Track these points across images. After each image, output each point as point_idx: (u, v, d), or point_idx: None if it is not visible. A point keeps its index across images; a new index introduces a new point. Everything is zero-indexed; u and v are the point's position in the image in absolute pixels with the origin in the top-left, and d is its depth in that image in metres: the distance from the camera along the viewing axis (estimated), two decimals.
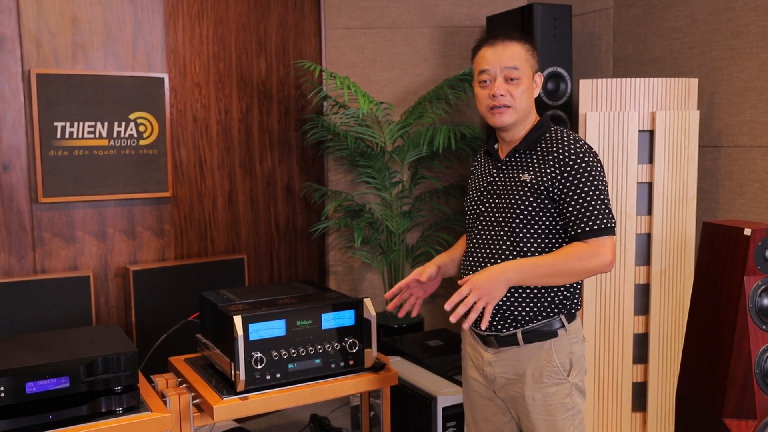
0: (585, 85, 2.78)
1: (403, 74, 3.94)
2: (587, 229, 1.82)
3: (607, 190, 1.87)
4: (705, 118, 2.99)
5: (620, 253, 2.78)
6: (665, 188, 2.79)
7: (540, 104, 3.20)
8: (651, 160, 2.78)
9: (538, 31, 3.21)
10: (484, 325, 1.75)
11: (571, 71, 3.29)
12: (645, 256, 2.82)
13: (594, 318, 2.81)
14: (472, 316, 1.73)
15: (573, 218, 1.84)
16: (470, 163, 3.97)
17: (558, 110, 3.29)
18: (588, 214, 1.82)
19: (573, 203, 1.84)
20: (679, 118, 2.78)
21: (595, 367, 2.83)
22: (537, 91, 1.97)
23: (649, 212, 2.80)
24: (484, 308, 1.76)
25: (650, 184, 2.79)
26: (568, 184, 1.84)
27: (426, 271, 2.05)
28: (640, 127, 2.77)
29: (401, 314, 2.08)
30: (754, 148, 2.81)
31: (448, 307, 1.75)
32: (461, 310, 1.73)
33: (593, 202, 1.83)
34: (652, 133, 2.77)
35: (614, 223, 1.85)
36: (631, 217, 2.77)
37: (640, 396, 2.88)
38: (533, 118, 1.98)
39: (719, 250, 2.17)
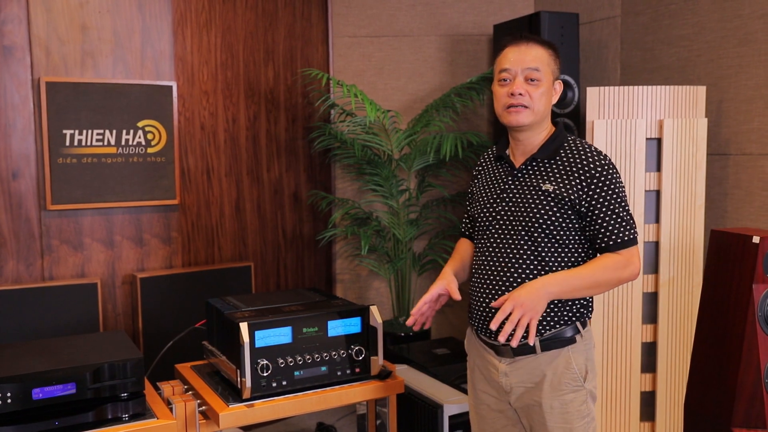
0: (592, 93, 2.78)
1: (410, 82, 3.94)
2: (618, 240, 1.86)
3: (627, 200, 1.92)
4: (713, 126, 2.98)
5: None
6: (673, 196, 2.77)
7: None
8: (659, 168, 2.77)
9: (545, 39, 3.21)
10: (531, 341, 1.79)
11: (578, 79, 3.28)
12: (653, 265, 2.81)
13: (602, 327, 2.79)
14: (519, 333, 1.73)
15: (603, 230, 1.87)
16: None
17: (565, 118, 3.28)
18: (617, 226, 1.86)
19: (602, 215, 1.87)
20: (687, 126, 2.77)
21: (603, 377, 2.81)
22: (556, 98, 1.96)
23: (657, 220, 2.79)
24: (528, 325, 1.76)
25: (658, 192, 2.78)
26: (596, 197, 1.86)
27: (453, 288, 1.98)
28: (647, 135, 2.76)
29: (417, 328, 2.04)
30: (762, 156, 2.80)
31: (494, 326, 1.74)
32: (508, 327, 1.73)
33: (621, 214, 1.87)
34: (659, 141, 2.76)
35: (637, 232, 1.91)
36: (638, 225, 2.76)
37: (648, 405, 2.86)
38: (548, 125, 1.97)
39: (727, 259, 2.16)
